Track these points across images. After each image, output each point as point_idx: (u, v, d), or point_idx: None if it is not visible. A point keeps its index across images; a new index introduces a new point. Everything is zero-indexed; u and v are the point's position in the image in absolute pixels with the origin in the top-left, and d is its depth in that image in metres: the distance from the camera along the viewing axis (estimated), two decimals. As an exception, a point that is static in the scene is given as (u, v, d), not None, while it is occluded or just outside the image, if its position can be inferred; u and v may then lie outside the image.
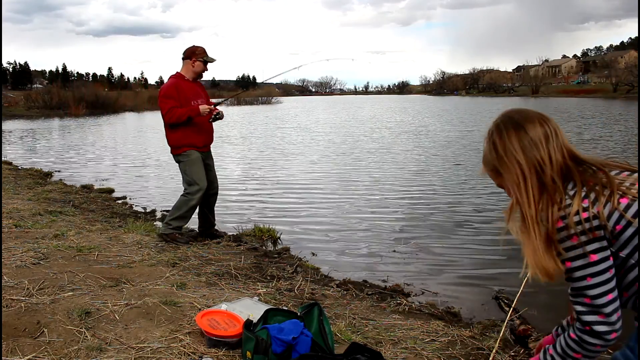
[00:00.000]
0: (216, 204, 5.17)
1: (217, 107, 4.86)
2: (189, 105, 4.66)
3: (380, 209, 7.15)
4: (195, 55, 4.72)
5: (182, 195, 4.81)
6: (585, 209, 1.38)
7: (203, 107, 4.66)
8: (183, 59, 4.79)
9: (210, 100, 5.03)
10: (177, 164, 4.86)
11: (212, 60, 4.83)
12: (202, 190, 4.71)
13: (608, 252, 1.39)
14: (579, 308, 1.43)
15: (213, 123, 4.91)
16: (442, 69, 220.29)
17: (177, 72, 4.81)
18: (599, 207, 1.37)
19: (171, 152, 4.84)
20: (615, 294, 1.40)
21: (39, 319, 2.65)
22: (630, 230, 1.37)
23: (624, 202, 1.39)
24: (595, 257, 1.38)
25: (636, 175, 1.47)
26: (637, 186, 1.42)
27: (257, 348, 2.32)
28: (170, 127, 4.69)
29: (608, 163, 1.49)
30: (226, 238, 5.15)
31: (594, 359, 1.47)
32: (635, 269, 1.40)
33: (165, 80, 5.02)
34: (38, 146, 16.86)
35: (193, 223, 5.46)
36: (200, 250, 4.53)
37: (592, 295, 1.40)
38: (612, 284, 1.39)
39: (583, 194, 1.40)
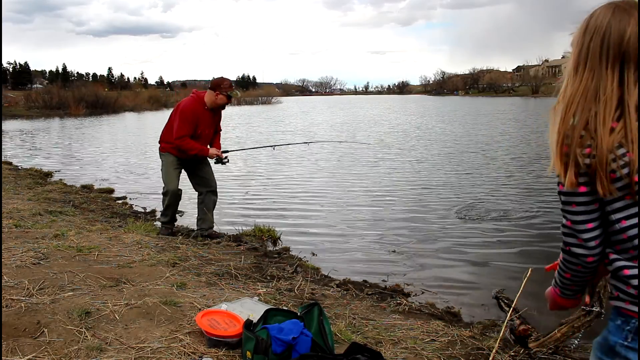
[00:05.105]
0: (217, 203, 5.28)
1: (225, 154, 5.18)
2: (199, 130, 4.91)
3: (381, 209, 7.15)
4: (220, 89, 4.91)
5: None
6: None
7: (212, 152, 5.01)
8: (209, 88, 4.98)
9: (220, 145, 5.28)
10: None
11: (236, 95, 5.08)
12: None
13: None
14: (562, 229, 1.52)
15: (214, 139, 5.17)
16: (442, 69, 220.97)
17: (201, 97, 4.97)
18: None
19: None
20: (595, 224, 1.43)
21: (39, 319, 2.65)
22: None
23: None
24: (584, 189, 1.41)
25: None
26: None
27: (257, 348, 2.32)
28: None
29: None
30: (226, 238, 5.16)
31: (582, 280, 1.54)
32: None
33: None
34: (38, 146, 16.85)
35: (192, 224, 5.49)
36: (200, 250, 4.53)
37: (574, 221, 1.46)
38: (594, 215, 1.43)
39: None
